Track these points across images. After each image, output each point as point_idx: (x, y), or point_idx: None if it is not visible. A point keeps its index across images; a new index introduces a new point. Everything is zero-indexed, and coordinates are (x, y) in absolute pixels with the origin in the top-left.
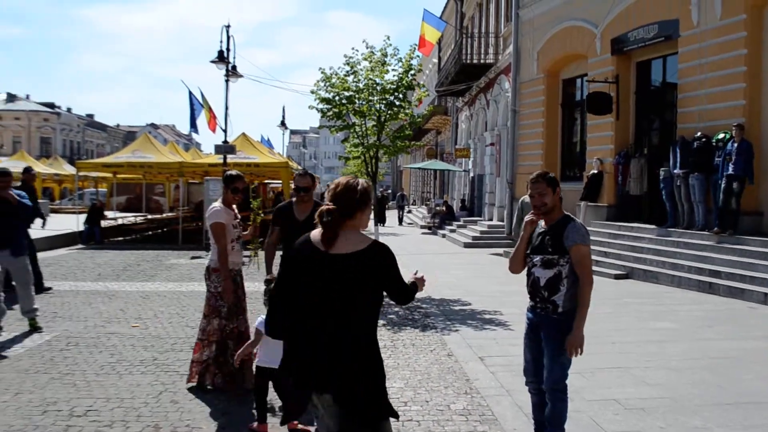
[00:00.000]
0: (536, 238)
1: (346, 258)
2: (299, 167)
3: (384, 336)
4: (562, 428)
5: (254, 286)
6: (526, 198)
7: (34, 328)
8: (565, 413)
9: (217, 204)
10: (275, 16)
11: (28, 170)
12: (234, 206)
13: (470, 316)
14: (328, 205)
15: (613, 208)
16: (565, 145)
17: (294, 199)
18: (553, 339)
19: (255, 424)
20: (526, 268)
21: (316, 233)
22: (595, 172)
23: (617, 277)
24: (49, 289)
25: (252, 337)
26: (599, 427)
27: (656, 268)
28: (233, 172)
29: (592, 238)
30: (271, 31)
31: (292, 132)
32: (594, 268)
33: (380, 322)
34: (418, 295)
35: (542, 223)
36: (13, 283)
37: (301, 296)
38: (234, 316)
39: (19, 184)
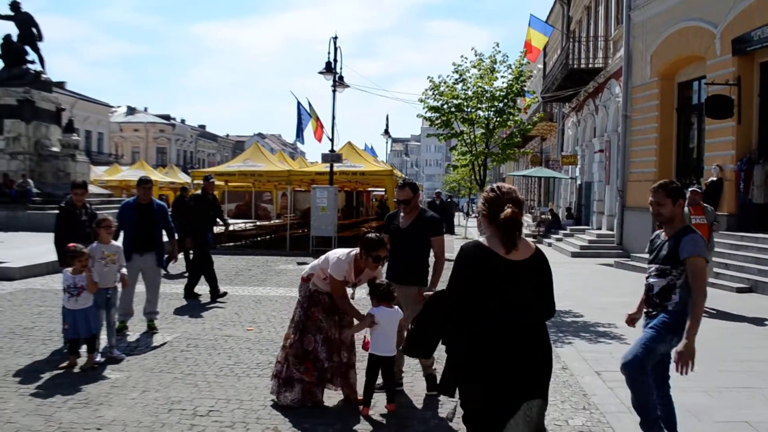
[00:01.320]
0: (656, 249)
1: (527, 263)
2: (403, 176)
3: None
4: (642, 415)
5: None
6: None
7: (151, 329)
8: (643, 399)
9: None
10: (376, 26)
11: (207, 178)
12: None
13: (583, 328)
14: (512, 207)
15: (734, 217)
16: (681, 151)
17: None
18: (654, 326)
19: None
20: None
21: (491, 240)
22: (714, 179)
23: (740, 290)
24: (225, 293)
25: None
26: None
27: None
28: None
29: None
30: (373, 41)
31: (394, 140)
32: (714, 280)
33: None
34: None
35: (662, 233)
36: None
37: (493, 304)
38: (298, 330)
39: (199, 192)
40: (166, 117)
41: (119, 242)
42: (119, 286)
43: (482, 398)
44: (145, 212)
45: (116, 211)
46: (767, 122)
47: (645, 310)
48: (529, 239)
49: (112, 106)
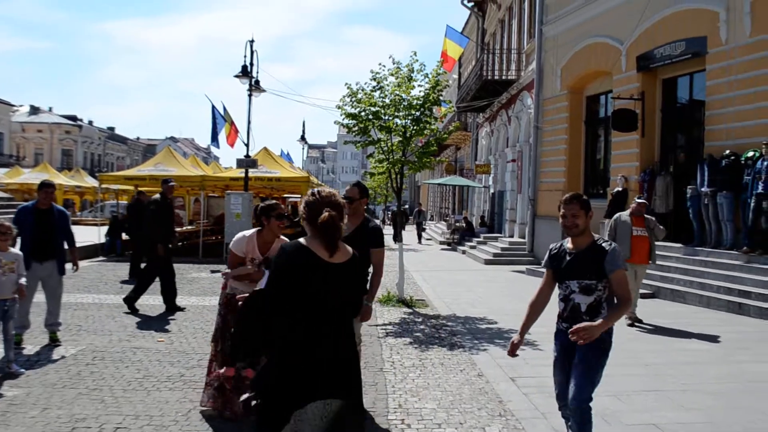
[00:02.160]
0: (565, 262)
1: (344, 266)
2: (319, 182)
3: (412, 354)
4: None
5: None
6: (624, 215)
7: (54, 342)
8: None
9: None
10: (292, 30)
11: (166, 182)
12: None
13: (497, 334)
14: (329, 211)
15: None
16: (589, 162)
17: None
18: (588, 356)
19: None
20: (556, 292)
21: (311, 242)
22: (620, 189)
23: (643, 296)
24: (182, 309)
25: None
26: None
27: (683, 288)
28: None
29: None
30: (289, 45)
31: (311, 146)
32: None
33: (407, 340)
34: (444, 312)
35: (568, 245)
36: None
37: (304, 305)
38: (217, 339)
39: (157, 196)
40: (73, 118)
41: (17, 249)
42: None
43: (277, 388)
44: (44, 218)
45: (12, 216)
46: (669, 136)
47: (564, 326)
48: (443, 246)
49: (13, 105)
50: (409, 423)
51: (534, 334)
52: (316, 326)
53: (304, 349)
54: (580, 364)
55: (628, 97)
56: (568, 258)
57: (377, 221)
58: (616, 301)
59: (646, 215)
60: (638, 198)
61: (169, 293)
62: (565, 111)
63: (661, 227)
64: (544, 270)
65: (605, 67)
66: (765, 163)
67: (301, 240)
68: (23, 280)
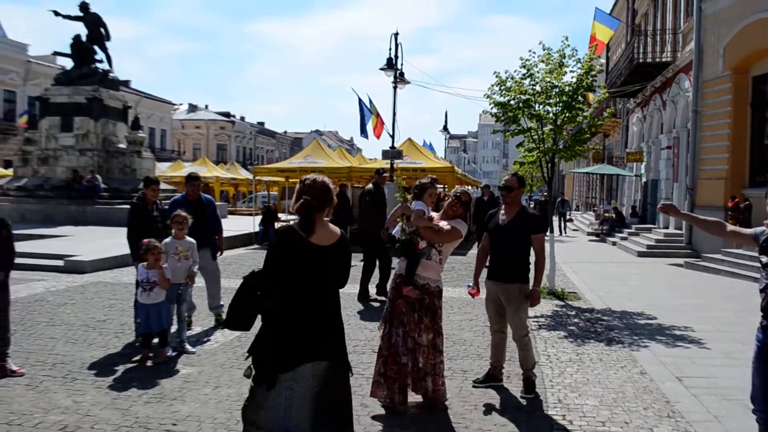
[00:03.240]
0: None
1: (330, 249)
2: (462, 172)
3: (568, 349)
4: None
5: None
6: None
7: (220, 324)
8: None
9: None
10: (433, 22)
11: (378, 172)
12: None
13: (658, 331)
14: (306, 198)
15: None
16: (755, 147)
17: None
18: None
19: None
20: (761, 284)
21: (298, 225)
22: None
23: None
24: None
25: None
26: None
27: None
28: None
29: None
30: (430, 37)
31: (452, 136)
32: None
33: (561, 333)
34: (598, 306)
35: None
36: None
37: (290, 279)
38: (385, 322)
39: (371, 186)
40: (226, 114)
41: (191, 238)
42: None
43: (269, 352)
44: (195, 208)
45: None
46: None
47: (764, 322)
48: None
49: (174, 104)
50: (571, 419)
51: (698, 331)
52: (300, 298)
53: (290, 318)
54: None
55: None
56: None
57: (533, 210)
58: None
59: None
60: None
61: (383, 280)
62: (728, 93)
63: None
64: (704, 263)
65: None
66: None
67: (293, 223)
68: (196, 267)
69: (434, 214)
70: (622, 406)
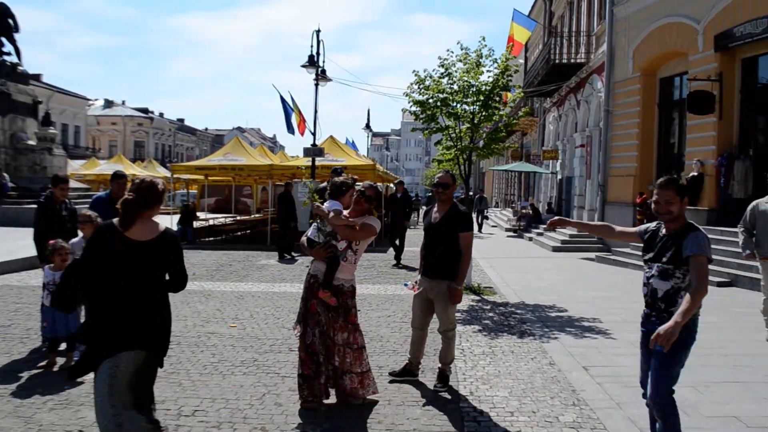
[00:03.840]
0: (657, 245)
1: (147, 244)
2: (384, 170)
3: (481, 342)
4: None
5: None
6: (762, 203)
7: None
8: (679, 427)
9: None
10: (357, 19)
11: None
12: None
13: (568, 323)
14: (130, 194)
15: (714, 212)
16: (662, 146)
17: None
18: (668, 352)
19: None
20: (643, 278)
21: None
22: (695, 174)
23: (720, 284)
24: None
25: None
26: None
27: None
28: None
29: None
30: (354, 34)
31: (374, 134)
32: None
33: (476, 327)
34: (513, 300)
35: (662, 230)
36: None
37: (107, 272)
38: (299, 323)
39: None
40: (144, 110)
41: None
42: None
43: (91, 339)
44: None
45: (89, 204)
46: (748, 118)
47: (645, 311)
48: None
49: (89, 99)
50: (482, 410)
51: (605, 322)
52: (116, 288)
53: (105, 308)
54: (655, 357)
55: (704, 78)
56: (655, 241)
57: (464, 208)
58: (693, 290)
59: None
60: None
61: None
62: (637, 94)
63: None
64: (614, 257)
65: (680, 48)
66: None
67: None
68: None
69: (345, 212)
70: (531, 396)
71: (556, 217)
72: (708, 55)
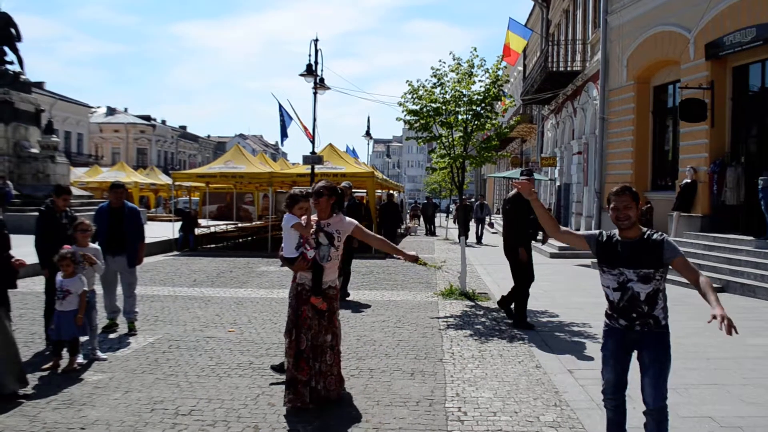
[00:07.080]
0: (625, 251)
1: None
2: (384, 177)
3: (472, 346)
4: None
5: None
6: None
7: (131, 331)
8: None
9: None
10: (356, 27)
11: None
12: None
13: (558, 327)
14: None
15: (707, 218)
16: (657, 153)
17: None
18: (659, 355)
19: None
20: (611, 283)
21: None
22: (688, 181)
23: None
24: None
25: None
26: None
27: (754, 282)
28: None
29: (684, 249)
30: (352, 42)
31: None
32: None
33: (467, 332)
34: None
35: (617, 233)
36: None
37: None
38: (290, 330)
39: (514, 191)
40: (147, 117)
41: (96, 245)
42: (96, 287)
43: None
44: (116, 216)
45: (94, 213)
46: (740, 125)
47: (622, 321)
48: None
49: (91, 107)
50: (466, 411)
51: (594, 327)
52: None
53: None
54: (653, 366)
55: (696, 86)
56: (620, 247)
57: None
58: (700, 284)
59: None
60: None
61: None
62: (631, 102)
63: None
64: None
65: (672, 56)
66: None
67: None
68: (100, 262)
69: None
70: (515, 397)
71: (527, 179)
72: (699, 63)
